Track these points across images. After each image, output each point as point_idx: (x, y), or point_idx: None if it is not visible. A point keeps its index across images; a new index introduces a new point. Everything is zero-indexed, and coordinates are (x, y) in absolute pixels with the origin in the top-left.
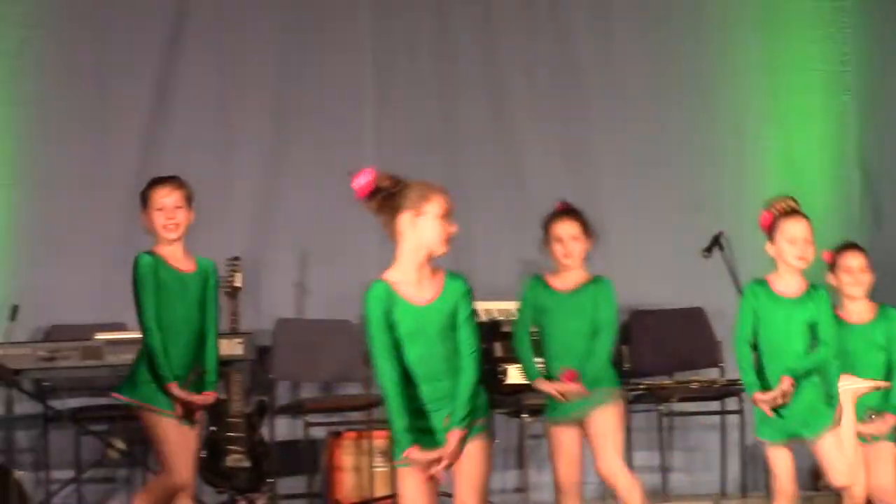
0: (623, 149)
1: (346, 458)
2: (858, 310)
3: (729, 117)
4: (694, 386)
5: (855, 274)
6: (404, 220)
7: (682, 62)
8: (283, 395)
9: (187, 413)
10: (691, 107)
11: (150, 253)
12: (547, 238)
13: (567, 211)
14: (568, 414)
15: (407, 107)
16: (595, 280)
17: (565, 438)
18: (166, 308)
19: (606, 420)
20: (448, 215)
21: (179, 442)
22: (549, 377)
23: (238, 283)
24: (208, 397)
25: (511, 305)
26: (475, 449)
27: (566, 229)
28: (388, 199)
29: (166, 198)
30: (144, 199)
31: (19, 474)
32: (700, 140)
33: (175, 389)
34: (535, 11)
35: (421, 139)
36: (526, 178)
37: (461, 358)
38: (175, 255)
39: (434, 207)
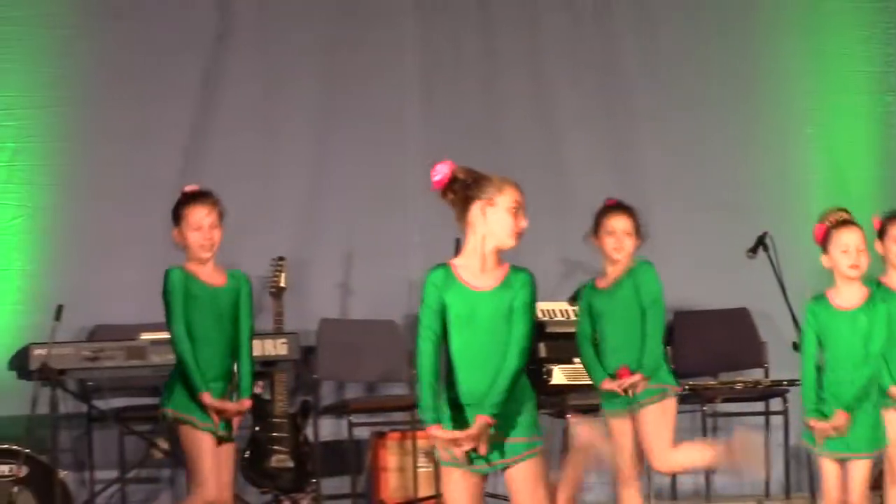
0: (667, 150)
1: (390, 458)
2: None
3: (773, 118)
4: (738, 386)
5: None
6: (475, 209)
7: (726, 63)
8: (327, 395)
9: (224, 424)
10: (735, 107)
11: (180, 268)
12: (597, 231)
13: (620, 206)
14: (624, 406)
15: (450, 106)
16: (633, 267)
17: (620, 429)
18: (197, 321)
19: (657, 417)
20: (519, 209)
21: (212, 456)
22: (611, 376)
23: (283, 284)
24: (243, 405)
25: (554, 305)
26: (532, 473)
27: (619, 223)
28: (463, 190)
29: (205, 218)
30: (179, 215)
31: (63, 474)
32: (744, 141)
33: (207, 398)
34: (579, 10)
35: (464, 138)
36: (570, 177)
37: (510, 345)
38: (205, 271)
39: (506, 200)
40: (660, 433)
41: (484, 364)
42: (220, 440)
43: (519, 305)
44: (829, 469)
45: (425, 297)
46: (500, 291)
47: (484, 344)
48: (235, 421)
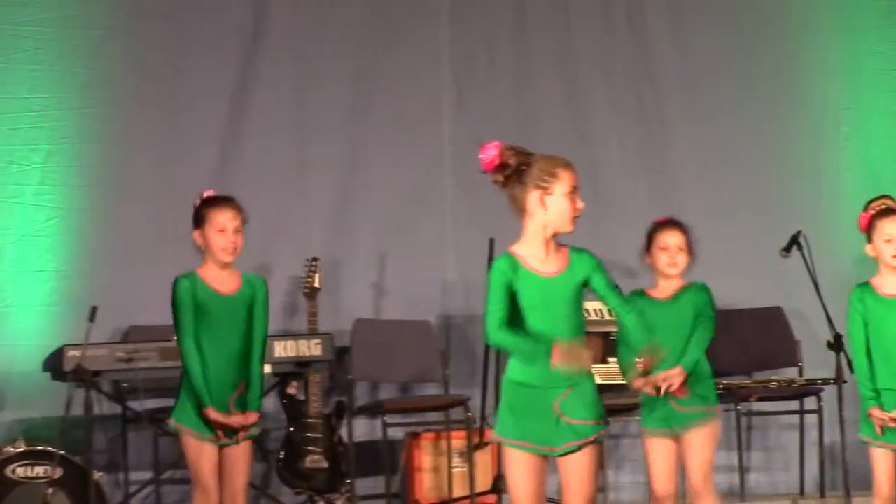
0: (700, 148)
1: (425, 458)
2: None
3: (807, 117)
4: (772, 385)
5: None
6: (532, 199)
7: (760, 62)
8: (361, 395)
9: (228, 434)
10: (769, 106)
11: (190, 275)
12: (650, 247)
13: (673, 222)
14: (670, 427)
15: (484, 108)
16: (691, 285)
17: (661, 451)
18: (207, 330)
19: (704, 440)
20: (575, 191)
21: (214, 463)
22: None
23: (317, 284)
24: (249, 418)
25: (588, 305)
26: (588, 460)
27: (673, 239)
28: (516, 176)
29: (230, 221)
30: (201, 217)
31: (98, 475)
32: (778, 139)
33: (212, 414)
34: (612, 14)
35: (497, 140)
36: (603, 180)
37: (622, 315)
38: (218, 277)
39: (563, 186)
40: (705, 456)
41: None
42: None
43: (605, 287)
44: (884, 462)
45: (493, 286)
46: (568, 276)
47: (561, 328)
48: (242, 434)
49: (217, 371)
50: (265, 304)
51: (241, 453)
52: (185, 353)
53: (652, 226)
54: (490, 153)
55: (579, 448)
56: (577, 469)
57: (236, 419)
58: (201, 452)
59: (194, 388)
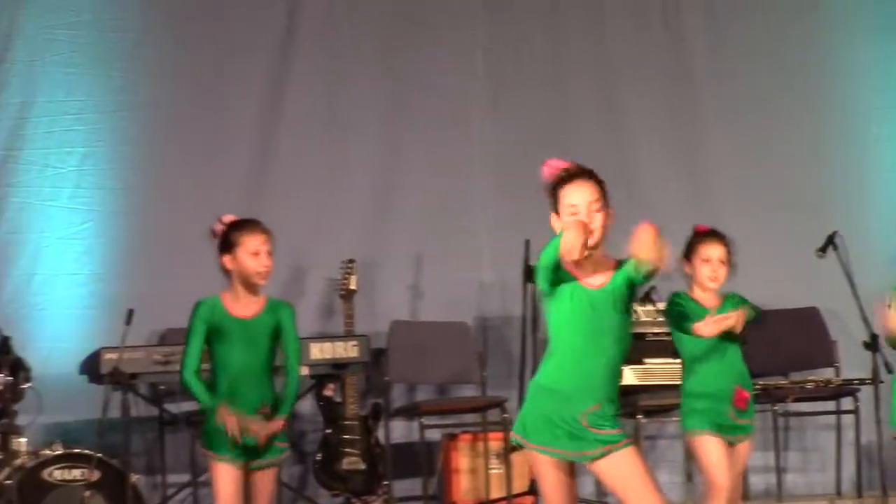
0: (735, 149)
1: (462, 459)
2: None
3: (841, 117)
4: (809, 386)
5: None
6: (553, 219)
7: (794, 62)
8: (398, 397)
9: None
10: (804, 106)
11: (212, 299)
12: (689, 255)
13: (716, 233)
14: (726, 435)
15: (518, 109)
16: (728, 298)
17: (719, 445)
18: (228, 352)
19: (747, 454)
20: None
21: (235, 485)
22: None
23: (353, 286)
24: (274, 425)
25: None
26: (630, 459)
27: (716, 251)
28: (550, 192)
29: (263, 245)
30: (231, 241)
31: (135, 478)
32: (813, 140)
33: (222, 409)
34: (646, 13)
35: (532, 141)
36: (638, 181)
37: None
38: (240, 302)
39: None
40: (744, 468)
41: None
42: (247, 462)
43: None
44: None
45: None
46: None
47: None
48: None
49: (238, 391)
50: (292, 327)
51: (265, 476)
52: (182, 370)
53: (694, 235)
54: (557, 164)
55: (610, 453)
56: (621, 467)
57: (257, 426)
58: (218, 475)
59: (197, 397)
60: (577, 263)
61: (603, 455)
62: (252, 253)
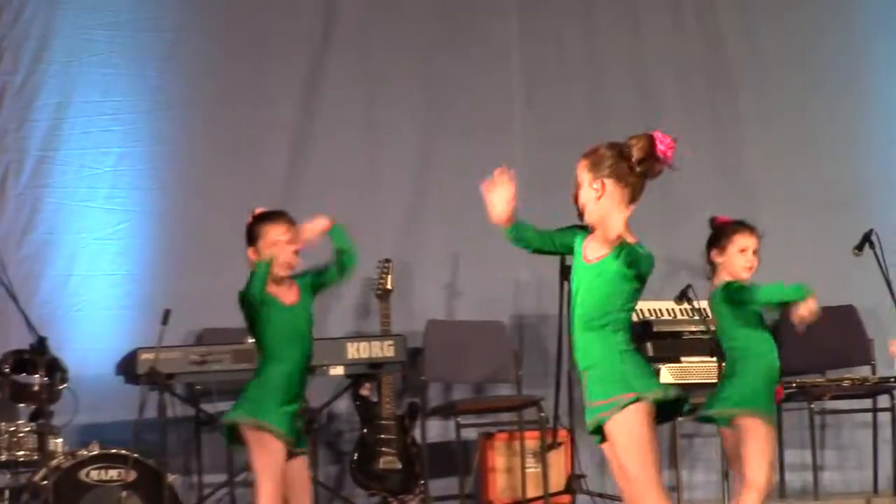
0: (772, 147)
1: (498, 458)
2: None
3: (878, 114)
4: (846, 384)
5: None
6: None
7: (831, 59)
8: (434, 396)
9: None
10: (840, 104)
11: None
12: (724, 245)
13: (748, 224)
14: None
15: (555, 108)
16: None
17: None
18: (275, 341)
19: None
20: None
21: (283, 468)
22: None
23: (389, 286)
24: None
25: (660, 305)
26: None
27: (751, 242)
28: None
29: (283, 235)
30: (256, 234)
31: (172, 478)
32: (850, 137)
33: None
34: (682, 11)
35: (569, 139)
36: (674, 177)
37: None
38: (282, 290)
39: None
40: None
41: None
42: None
43: None
44: None
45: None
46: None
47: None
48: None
49: (286, 382)
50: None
51: (304, 470)
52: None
53: (729, 226)
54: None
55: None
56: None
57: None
58: (274, 447)
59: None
60: None
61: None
62: (275, 244)
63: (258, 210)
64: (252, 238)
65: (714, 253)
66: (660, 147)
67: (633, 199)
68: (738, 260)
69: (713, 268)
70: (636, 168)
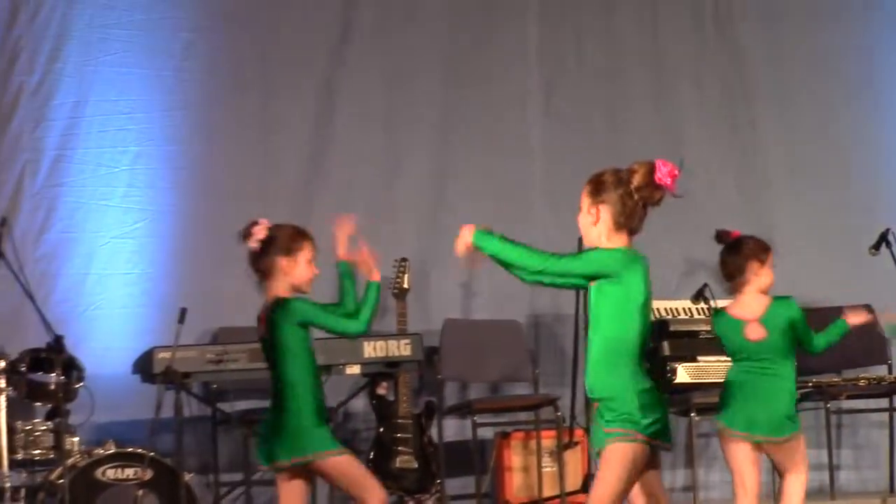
0: (790, 148)
1: (515, 458)
2: None
3: (894, 114)
4: (862, 383)
5: None
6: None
7: (849, 62)
8: (451, 395)
9: None
10: (858, 105)
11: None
12: (763, 261)
13: (764, 245)
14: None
15: (573, 114)
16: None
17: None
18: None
19: None
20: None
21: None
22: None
23: (406, 285)
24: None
25: (677, 304)
26: None
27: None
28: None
29: (313, 253)
30: (293, 247)
31: (188, 477)
32: (866, 138)
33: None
34: (701, 19)
35: (587, 147)
36: (692, 179)
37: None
38: None
39: None
40: None
41: None
42: None
43: None
44: None
45: None
46: None
47: None
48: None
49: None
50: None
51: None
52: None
53: (764, 244)
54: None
55: None
56: None
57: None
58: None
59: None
60: None
61: None
62: (309, 261)
63: (262, 221)
64: (289, 249)
65: (757, 266)
66: (658, 174)
67: (629, 225)
68: (766, 276)
69: (742, 280)
70: (634, 195)
